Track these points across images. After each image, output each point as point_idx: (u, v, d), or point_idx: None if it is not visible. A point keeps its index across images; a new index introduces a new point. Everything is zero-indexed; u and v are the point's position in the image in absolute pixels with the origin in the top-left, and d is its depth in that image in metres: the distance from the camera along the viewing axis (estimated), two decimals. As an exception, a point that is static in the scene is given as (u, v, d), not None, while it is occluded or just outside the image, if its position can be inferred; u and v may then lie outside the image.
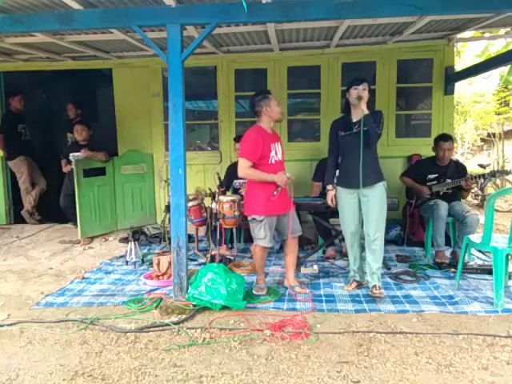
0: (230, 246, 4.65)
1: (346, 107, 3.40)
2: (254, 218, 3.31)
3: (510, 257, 3.37)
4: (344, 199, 3.41)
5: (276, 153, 3.34)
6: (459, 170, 4.35)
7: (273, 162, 3.30)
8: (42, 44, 4.84)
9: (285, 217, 3.38)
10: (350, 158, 3.34)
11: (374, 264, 3.28)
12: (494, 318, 2.92)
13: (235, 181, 4.81)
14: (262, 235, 3.31)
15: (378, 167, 3.35)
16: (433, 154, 4.46)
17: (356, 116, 3.29)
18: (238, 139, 4.78)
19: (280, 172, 3.27)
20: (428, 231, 4.34)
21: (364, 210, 3.34)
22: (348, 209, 3.40)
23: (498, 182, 8.74)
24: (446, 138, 4.32)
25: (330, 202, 3.53)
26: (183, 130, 3.18)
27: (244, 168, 3.26)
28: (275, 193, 3.23)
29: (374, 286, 3.24)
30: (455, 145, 11.19)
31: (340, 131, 3.38)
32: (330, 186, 3.53)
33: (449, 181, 4.24)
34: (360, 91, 3.22)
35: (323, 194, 4.53)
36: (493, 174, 4.03)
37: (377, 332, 2.72)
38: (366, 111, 3.19)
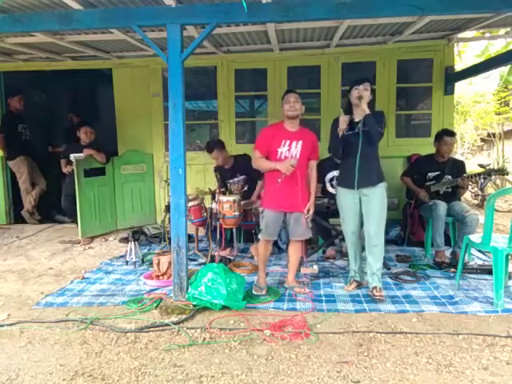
0: (230, 245, 4.64)
1: (349, 107, 3.38)
2: (260, 210, 3.49)
3: (510, 257, 3.37)
4: (344, 199, 3.41)
5: (289, 149, 3.32)
6: (458, 165, 4.39)
7: (282, 157, 3.31)
8: (42, 44, 4.84)
9: (292, 216, 3.38)
10: (349, 158, 3.33)
11: (375, 264, 3.28)
12: (493, 317, 2.91)
13: (227, 181, 4.82)
14: (261, 227, 3.43)
15: (379, 168, 3.35)
16: (433, 151, 4.48)
17: (358, 116, 3.28)
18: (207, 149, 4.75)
19: (286, 160, 3.26)
20: (428, 231, 4.34)
21: (364, 210, 3.34)
22: (348, 209, 3.40)
23: (498, 182, 8.75)
24: (451, 133, 4.37)
25: (343, 125, 3.23)
26: (183, 129, 3.18)
27: (254, 158, 3.47)
28: (279, 180, 3.24)
29: (375, 288, 3.24)
30: (455, 145, 11.19)
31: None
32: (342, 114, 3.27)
33: (448, 177, 4.26)
34: (361, 91, 3.22)
35: (323, 194, 4.56)
36: (488, 173, 4.06)
37: (377, 332, 2.72)
38: (368, 111, 3.18)
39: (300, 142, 3.33)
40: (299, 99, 3.33)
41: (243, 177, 4.72)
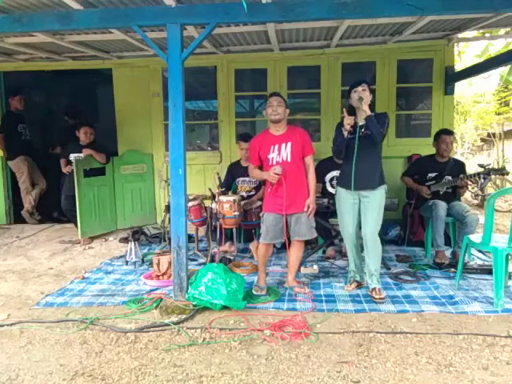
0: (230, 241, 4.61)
1: (351, 111, 3.34)
2: (261, 214, 3.51)
3: (510, 257, 3.37)
4: (344, 200, 3.41)
5: (279, 153, 3.33)
6: (458, 166, 4.41)
7: (274, 163, 3.33)
8: (42, 44, 4.83)
9: (292, 217, 3.38)
10: (349, 161, 3.32)
11: (372, 265, 3.28)
12: (494, 318, 2.92)
13: (238, 179, 4.83)
14: (261, 231, 3.45)
15: (380, 170, 3.34)
16: (433, 152, 4.49)
17: (361, 119, 3.25)
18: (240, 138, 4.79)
19: (271, 168, 3.29)
20: (428, 231, 4.35)
21: (362, 211, 3.34)
22: (347, 209, 3.40)
23: (498, 182, 8.75)
24: (448, 132, 4.40)
25: (348, 126, 3.18)
26: (183, 129, 3.18)
27: (249, 169, 3.57)
28: (269, 190, 3.36)
29: (374, 290, 3.24)
30: (455, 145, 11.18)
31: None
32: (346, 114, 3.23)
33: (448, 178, 4.27)
34: (360, 92, 3.21)
35: (323, 194, 4.56)
36: (487, 173, 4.06)
37: (377, 332, 2.72)
38: (369, 112, 3.18)
39: (289, 144, 3.33)
40: (283, 102, 3.34)
41: (255, 179, 4.72)
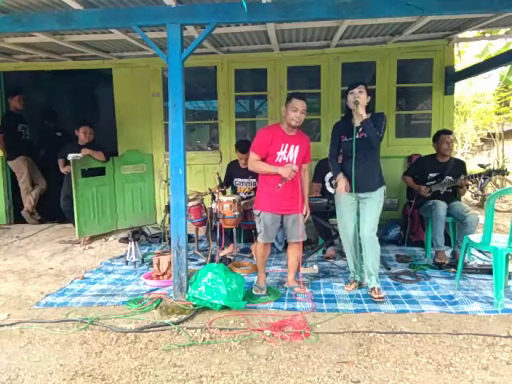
0: (231, 241, 4.60)
1: (348, 112, 3.34)
2: (256, 213, 3.45)
3: (510, 257, 3.37)
4: (343, 201, 3.41)
5: (287, 153, 3.32)
6: (459, 166, 4.41)
7: (280, 161, 3.31)
8: (42, 44, 4.83)
9: (289, 218, 3.39)
10: (347, 163, 3.33)
11: (371, 265, 3.28)
12: (494, 318, 2.92)
13: (235, 179, 4.84)
14: (258, 230, 3.42)
15: (379, 172, 3.34)
16: (433, 152, 4.49)
17: (358, 120, 3.24)
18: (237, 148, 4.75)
19: (287, 164, 3.27)
20: (428, 231, 4.35)
21: (361, 211, 3.34)
22: (347, 211, 3.40)
23: (498, 182, 8.75)
24: (447, 132, 4.42)
25: (343, 189, 3.30)
26: (183, 129, 3.18)
27: (251, 160, 3.39)
28: (280, 185, 3.21)
29: (373, 289, 3.24)
30: (455, 145, 11.19)
31: (343, 136, 3.36)
32: (340, 175, 3.35)
33: (448, 178, 4.27)
34: (356, 94, 3.20)
35: (323, 194, 4.56)
36: (488, 174, 4.08)
37: (377, 332, 2.72)
38: (365, 116, 3.17)
39: (297, 147, 3.34)
40: (305, 108, 3.26)
41: (254, 180, 4.71)
